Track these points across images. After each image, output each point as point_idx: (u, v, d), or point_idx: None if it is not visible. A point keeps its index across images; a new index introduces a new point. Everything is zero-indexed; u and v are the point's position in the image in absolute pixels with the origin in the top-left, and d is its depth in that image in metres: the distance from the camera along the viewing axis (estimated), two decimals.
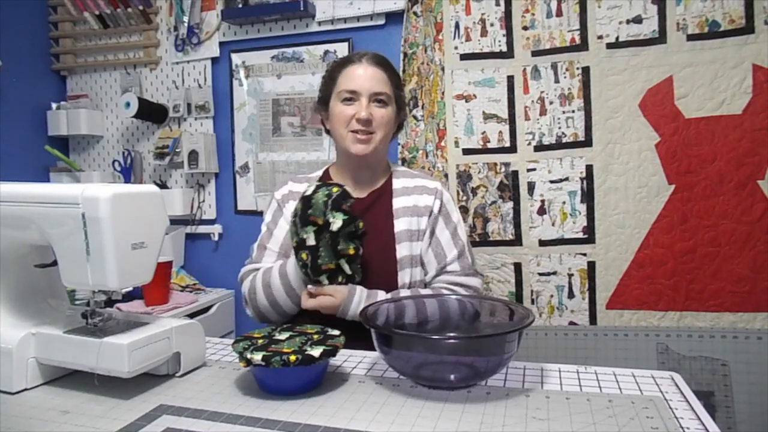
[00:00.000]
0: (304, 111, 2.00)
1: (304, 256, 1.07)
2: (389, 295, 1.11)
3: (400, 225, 1.20)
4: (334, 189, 1.08)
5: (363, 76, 1.19)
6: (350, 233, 1.07)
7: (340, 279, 1.09)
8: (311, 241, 1.05)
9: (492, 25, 1.72)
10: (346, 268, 1.09)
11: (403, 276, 1.17)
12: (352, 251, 1.07)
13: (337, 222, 1.04)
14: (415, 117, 1.80)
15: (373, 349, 0.86)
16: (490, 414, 0.72)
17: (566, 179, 1.68)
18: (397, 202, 1.22)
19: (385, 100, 1.20)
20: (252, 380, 0.83)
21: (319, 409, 0.74)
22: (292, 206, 1.24)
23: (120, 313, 0.93)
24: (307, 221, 1.06)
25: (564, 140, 1.68)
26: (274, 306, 1.15)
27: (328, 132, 1.29)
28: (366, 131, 1.18)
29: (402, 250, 1.18)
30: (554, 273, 1.70)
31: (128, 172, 2.16)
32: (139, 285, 0.87)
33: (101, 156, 2.26)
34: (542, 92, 1.69)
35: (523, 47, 1.70)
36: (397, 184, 1.26)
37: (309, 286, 1.10)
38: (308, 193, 1.09)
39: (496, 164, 1.73)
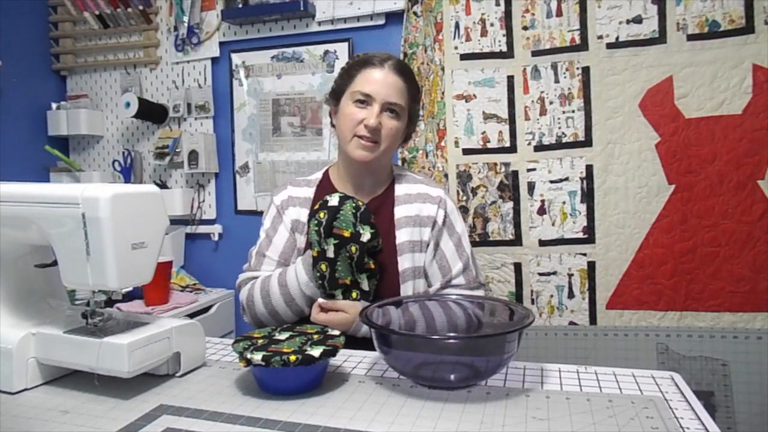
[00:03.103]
0: (304, 111, 2.00)
1: (323, 267, 1.05)
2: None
3: (402, 236, 1.16)
4: (360, 202, 1.07)
5: (381, 82, 1.14)
6: (370, 249, 1.06)
7: (354, 295, 1.07)
8: (330, 253, 1.04)
9: (492, 25, 1.72)
10: (365, 284, 1.07)
11: (406, 288, 1.14)
12: (372, 265, 1.07)
13: (366, 234, 1.03)
14: None
15: (373, 350, 0.86)
16: (490, 414, 0.72)
17: (566, 179, 1.68)
18: (399, 211, 1.18)
19: (398, 111, 1.15)
20: (252, 380, 0.83)
21: (319, 409, 0.74)
22: (292, 212, 1.21)
23: (120, 313, 0.93)
24: (330, 233, 1.04)
25: (564, 140, 1.68)
26: (273, 315, 1.13)
27: (333, 126, 1.25)
28: (371, 139, 1.13)
29: (404, 263, 1.14)
30: (554, 273, 1.70)
31: (128, 172, 2.16)
32: (139, 285, 0.87)
33: (101, 156, 2.26)
34: (542, 92, 1.69)
35: (523, 47, 1.70)
36: (399, 190, 1.21)
37: (321, 300, 1.08)
38: (333, 203, 1.06)
39: (496, 164, 1.73)
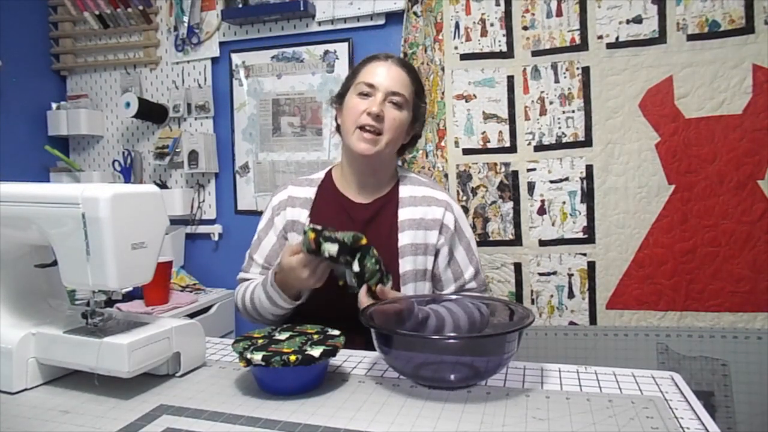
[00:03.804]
0: (304, 111, 2.00)
1: (376, 257, 0.99)
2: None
3: (404, 239, 1.15)
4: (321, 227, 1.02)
5: (384, 74, 1.15)
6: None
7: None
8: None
9: (492, 25, 1.72)
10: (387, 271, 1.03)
11: (406, 291, 1.13)
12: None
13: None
14: None
15: (373, 349, 0.86)
16: (490, 414, 0.72)
17: (566, 179, 1.68)
18: (403, 214, 1.17)
19: (401, 102, 1.15)
20: (252, 380, 0.83)
21: (319, 409, 0.74)
22: (290, 212, 1.21)
23: (120, 313, 0.94)
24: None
25: (564, 140, 1.68)
26: (257, 321, 1.19)
27: (338, 129, 1.23)
28: (374, 129, 1.11)
29: (405, 265, 1.13)
30: (554, 273, 1.70)
31: (128, 172, 2.16)
32: (139, 285, 0.88)
33: (101, 156, 2.26)
34: (542, 92, 1.69)
35: (523, 47, 1.70)
36: (403, 192, 1.20)
37: (379, 287, 0.98)
38: (316, 226, 1.00)
39: (496, 164, 1.73)
